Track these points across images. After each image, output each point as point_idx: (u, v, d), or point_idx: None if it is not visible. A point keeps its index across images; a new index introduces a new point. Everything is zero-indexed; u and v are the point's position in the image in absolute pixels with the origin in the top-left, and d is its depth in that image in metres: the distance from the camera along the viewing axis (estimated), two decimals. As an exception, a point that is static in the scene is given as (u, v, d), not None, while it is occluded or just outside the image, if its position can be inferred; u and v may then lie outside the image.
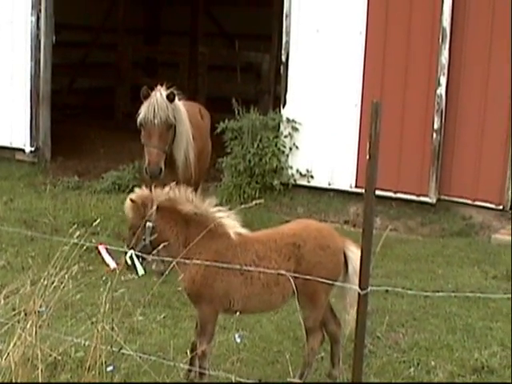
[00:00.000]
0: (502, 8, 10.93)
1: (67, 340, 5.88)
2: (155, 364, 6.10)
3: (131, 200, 6.00)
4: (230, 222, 6.09)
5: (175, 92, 8.67)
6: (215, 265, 5.85)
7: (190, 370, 6.22)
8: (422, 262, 9.86)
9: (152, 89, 8.58)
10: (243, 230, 6.16)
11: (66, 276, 5.64)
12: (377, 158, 4.34)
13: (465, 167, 11.37)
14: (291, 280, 5.76)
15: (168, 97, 8.48)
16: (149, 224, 5.98)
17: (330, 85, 11.97)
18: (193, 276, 5.92)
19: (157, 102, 8.41)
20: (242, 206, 6.53)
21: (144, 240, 6.01)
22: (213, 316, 6.07)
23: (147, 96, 8.48)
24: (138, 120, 8.52)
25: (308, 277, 5.78)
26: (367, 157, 4.33)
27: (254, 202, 6.36)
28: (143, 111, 8.49)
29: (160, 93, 8.49)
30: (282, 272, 5.88)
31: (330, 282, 5.88)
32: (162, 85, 8.71)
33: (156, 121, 8.41)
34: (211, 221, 5.96)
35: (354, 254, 6.07)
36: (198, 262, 5.88)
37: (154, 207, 5.94)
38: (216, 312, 6.07)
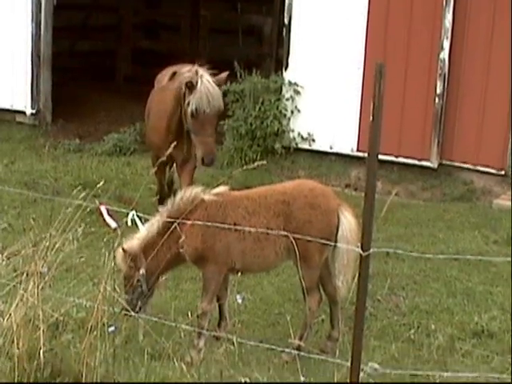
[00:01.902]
0: (506, -29, 10.85)
1: (69, 301, 5.90)
2: (156, 325, 6.14)
3: (123, 250, 6.05)
4: (202, 191, 6.18)
5: (223, 76, 8.55)
6: (209, 224, 5.94)
7: (217, 338, 6.32)
8: (422, 226, 9.88)
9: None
10: (222, 189, 6.29)
11: (70, 237, 5.65)
12: (380, 120, 4.32)
13: (467, 132, 11.34)
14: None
15: (218, 84, 8.29)
16: (142, 271, 6.08)
17: (333, 48, 11.90)
18: (193, 244, 6.02)
19: (209, 92, 8.11)
20: (244, 168, 6.55)
21: (141, 287, 6.10)
22: (217, 275, 6.13)
23: (193, 87, 8.13)
24: (190, 110, 8.15)
25: (297, 235, 5.83)
26: (370, 118, 4.30)
27: (256, 164, 6.37)
28: (195, 102, 8.10)
29: (208, 81, 8.18)
30: (272, 229, 5.99)
31: (321, 241, 5.88)
32: (193, 62, 8.56)
33: (209, 111, 8.14)
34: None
35: (347, 219, 6.10)
36: (199, 222, 5.94)
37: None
38: (221, 272, 6.13)
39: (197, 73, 8.24)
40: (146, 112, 9.37)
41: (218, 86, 8.30)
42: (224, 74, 8.62)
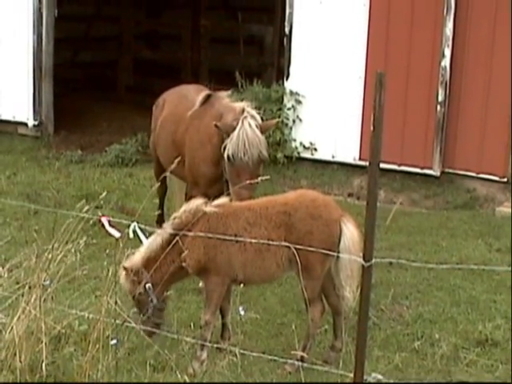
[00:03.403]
0: (507, -21, 10.84)
1: (71, 313, 5.90)
2: (159, 337, 6.12)
3: (124, 268, 6.05)
4: (204, 204, 6.20)
5: (271, 123, 7.88)
6: (211, 236, 5.94)
7: (220, 350, 6.30)
8: (425, 234, 9.85)
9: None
10: (222, 201, 6.29)
11: (73, 249, 5.64)
12: (381, 129, 4.31)
13: (469, 140, 11.33)
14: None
15: (260, 128, 7.38)
16: (149, 285, 6.08)
17: (334, 57, 11.90)
18: (196, 256, 6.02)
19: (247, 138, 7.22)
20: (248, 182, 6.53)
21: (152, 301, 6.11)
22: (219, 286, 6.12)
23: (233, 129, 7.30)
24: (226, 154, 7.28)
25: (298, 246, 5.81)
26: (371, 128, 4.30)
27: (259, 179, 6.37)
28: (232, 147, 7.23)
29: (250, 124, 7.29)
30: (273, 240, 5.99)
31: (322, 252, 5.86)
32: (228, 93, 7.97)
33: (247, 159, 7.22)
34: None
35: (349, 229, 6.08)
36: (201, 234, 5.93)
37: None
38: (223, 283, 6.12)
39: (242, 112, 7.42)
40: (168, 139, 8.46)
41: (262, 132, 7.38)
42: (273, 121, 8.02)
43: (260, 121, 7.51)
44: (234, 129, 7.28)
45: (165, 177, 8.44)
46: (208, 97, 8.06)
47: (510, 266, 8.45)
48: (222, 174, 7.67)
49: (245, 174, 7.19)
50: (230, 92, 8.24)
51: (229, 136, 7.33)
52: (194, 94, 8.33)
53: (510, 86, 10.92)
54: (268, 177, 6.56)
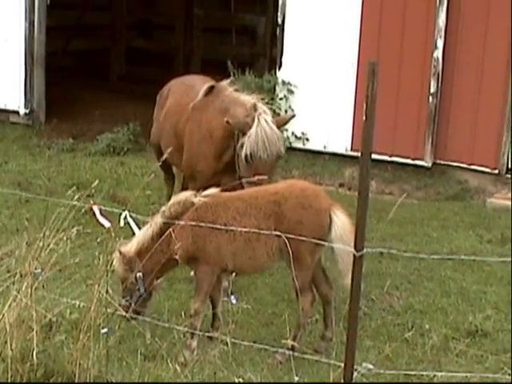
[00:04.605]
0: (500, -30, 10.84)
1: (62, 301, 5.89)
2: (150, 326, 6.13)
3: (120, 252, 6.06)
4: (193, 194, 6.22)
5: (286, 118, 7.73)
6: (199, 226, 5.95)
7: (211, 339, 6.32)
8: (417, 225, 9.87)
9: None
10: (212, 191, 6.29)
11: (64, 238, 5.63)
12: (373, 119, 4.31)
13: (461, 131, 11.34)
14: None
15: (277, 125, 7.17)
16: (139, 274, 6.11)
17: (327, 47, 11.88)
18: (184, 245, 6.03)
19: (266, 135, 6.97)
20: (262, 177, 6.51)
21: (139, 290, 6.16)
22: (209, 275, 6.14)
23: (249, 126, 7.04)
24: (243, 154, 7.00)
25: (289, 235, 5.82)
26: (363, 117, 4.30)
27: (256, 178, 6.36)
28: (250, 146, 6.96)
29: (266, 121, 7.05)
30: (263, 230, 5.98)
31: (312, 241, 5.86)
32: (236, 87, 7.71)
33: (266, 157, 6.99)
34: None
35: (340, 219, 6.08)
36: (192, 223, 5.94)
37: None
38: (213, 272, 6.14)
39: (255, 108, 7.17)
40: (171, 130, 8.24)
41: (278, 127, 7.17)
42: (288, 116, 7.88)
43: (271, 116, 7.28)
44: (250, 127, 7.04)
45: (171, 167, 8.57)
46: (211, 88, 7.83)
47: (502, 256, 8.47)
48: (222, 169, 7.52)
49: (262, 171, 6.89)
50: (230, 80, 8.05)
51: (244, 134, 7.06)
52: (200, 84, 8.06)
53: (506, 77, 10.92)
54: (265, 177, 6.58)
